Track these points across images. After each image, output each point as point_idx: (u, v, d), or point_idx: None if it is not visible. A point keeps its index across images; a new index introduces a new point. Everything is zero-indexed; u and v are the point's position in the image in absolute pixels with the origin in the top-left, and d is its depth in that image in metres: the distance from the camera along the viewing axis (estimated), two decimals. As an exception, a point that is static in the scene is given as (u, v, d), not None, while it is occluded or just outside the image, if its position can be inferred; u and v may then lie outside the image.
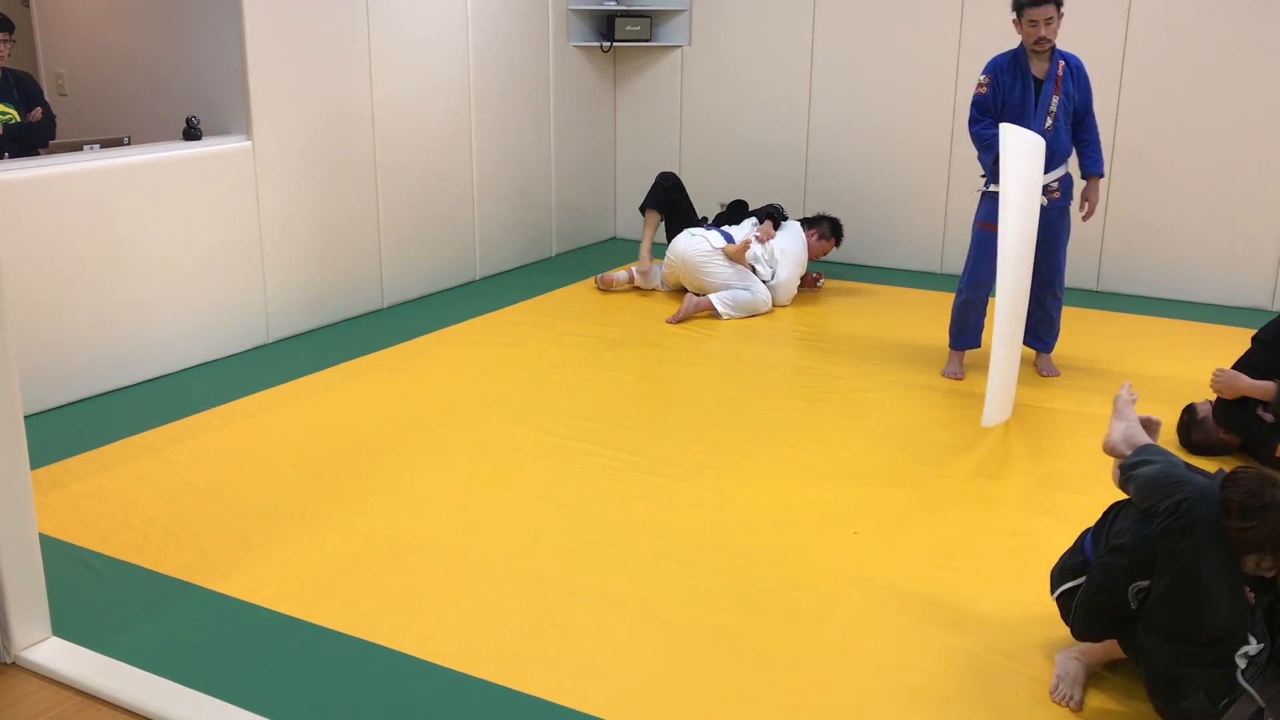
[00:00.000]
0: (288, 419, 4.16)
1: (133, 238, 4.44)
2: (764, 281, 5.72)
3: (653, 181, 6.18)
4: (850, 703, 2.47)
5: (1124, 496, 2.51)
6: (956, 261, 6.36)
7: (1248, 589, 2.27)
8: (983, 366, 4.77)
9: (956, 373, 4.69)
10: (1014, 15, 4.34)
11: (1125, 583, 2.34)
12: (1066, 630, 2.56)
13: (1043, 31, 4.27)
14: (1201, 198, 5.80)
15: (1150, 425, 2.68)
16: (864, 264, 6.70)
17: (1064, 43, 4.48)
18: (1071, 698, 2.47)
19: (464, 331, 5.32)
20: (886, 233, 6.61)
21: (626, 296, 6.00)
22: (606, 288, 6.08)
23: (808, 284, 6.06)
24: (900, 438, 4.01)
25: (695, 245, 5.70)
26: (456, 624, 2.77)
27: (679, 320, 5.49)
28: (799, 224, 6.07)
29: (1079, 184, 4.62)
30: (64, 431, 4.03)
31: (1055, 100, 4.36)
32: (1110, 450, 2.62)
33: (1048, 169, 4.32)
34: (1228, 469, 2.33)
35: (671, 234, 6.02)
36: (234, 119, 4.87)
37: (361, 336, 5.21)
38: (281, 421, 4.14)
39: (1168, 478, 2.33)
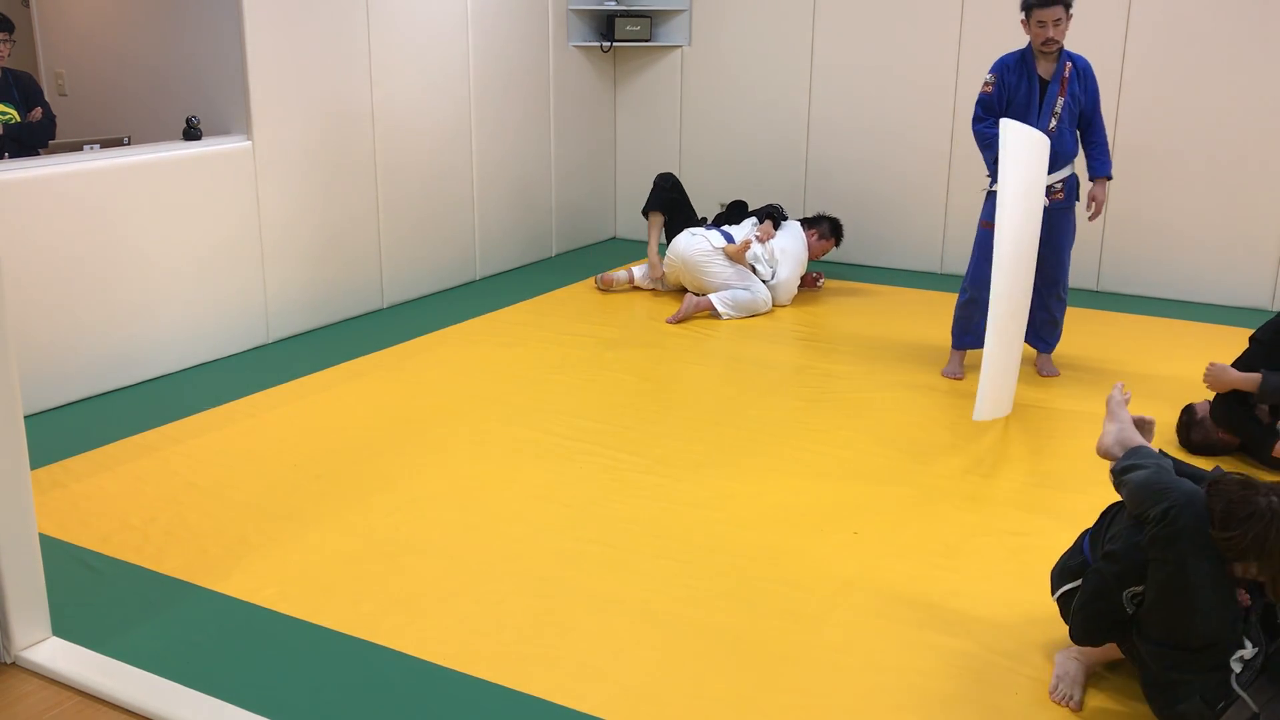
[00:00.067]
0: (288, 419, 4.16)
1: (133, 238, 4.44)
2: (764, 281, 5.72)
3: (651, 184, 6.17)
4: (850, 703, 2.47)
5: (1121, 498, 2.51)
6: (957, 261, 6.37)
7: (1244, 592, 2.27)
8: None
9: (956, 372, 4.69)
10: (1022, 16, 4.33)
11: (1119, 589, 2.34)
12: (1066, 630, 2.56)
13: (1051, 33, 4.26)
14: (1201, 198, 5.80)
15: (1144, 425, 2.67)
16: (864, 264, 6.70)
17: (1065, 42, 4.47)
18: (1071, 698, 2.47)
19: (464, 331, 5.32)
20: (886, 233, 6.61)
21: (626, 296, 6.00)
22: (606, 288, 6.08)
23: (808, 284, 6.06)
24: (900, 438, 4.01)
25: (695, 245, 5.70)
26: (456, 624, 2.77)
27: (679, 320, 5.49)
28: (799, 224, 6.07)
29: (1086, 185, 4.61)
30: (64, 431, 4.03)
31: (1060, 101, 4.36)
32: (1104, 453, 2.62)
33: (1051, 170, 4.32)
34: (1226, 468, 2.33)
35: (672, 234, 6.02)
36: (234, 119, 4.87)
37: (361, 336, 5.21)
38: (281, 421, 4.14)
39: (1156, 484, 2.32)
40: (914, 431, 4.08)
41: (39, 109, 5.04)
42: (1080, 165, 4.56)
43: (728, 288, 5.62)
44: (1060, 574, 2.59)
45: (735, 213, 6.16)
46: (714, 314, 5.58)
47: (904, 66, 6.34)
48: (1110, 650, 2.53)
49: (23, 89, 5.06)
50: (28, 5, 5.69)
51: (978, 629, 2.77)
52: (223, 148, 4.76)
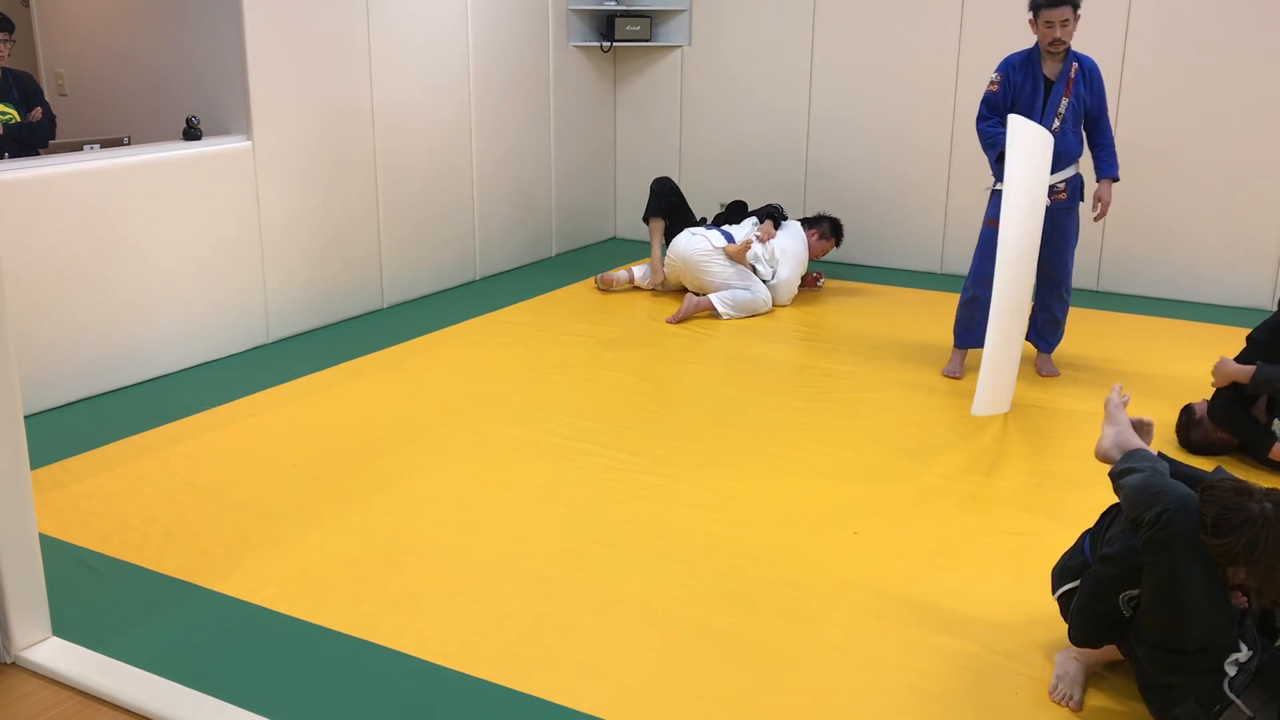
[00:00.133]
0: (288, 419, 4.16)
1: (133, 238, 4.44)
2: (764, 281, 5.72)
3: (649, 190, 6.14)
4: (850, 703, 2.47)
5: (1121, 499, 2.51)
6: (957, 261, 6.37)
7: (1240, 595, 2.26)
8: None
9: (956, 372, 4.69)
10: (1030, 15, 4.32)
11: (1116, 592, 2.35)
12: (1066, 630, 2.56)
13: (1058, 33, 4.26)
14: (1202, 198, 5.80)
15: (1142, 427, 2.67)
16: (864, 264, 6.70)
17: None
18: (1071, 697, 2.47)
19: (464, 331, 5.32)
20: (886, 233, 6.61)
21: (626, 296, 6.00)
22: (606, 288, 6.08)
23: (808, 284, 6.06)
24: (900, 437, 4.01)
25: (696, 244, 5.70)
26: (456, 624, 2.77)
27: (679, 320, 5.49)
28: (799, 224, 6.07)
29: (1091, 186, 4.60)
30: (64, 431, 4.03)
31: (1065, 102, 4.35)
32: (1102, 457, 2.62)
33: (1054, 170, 4.31)
34: (1226, 468, 2.33)
35: (672, 235, 6.02)
36: (234, 119, 4.87)
37: (361, 336, 5.21)
38: (281, 421, 4.14)
39: (1151, 488, 2.32)
40: (914, 431, 4.08)
41: (39, 109, 5.04)
42: (1086, 167, 4.56)
43: (728, 287, 5.62)
44: (1061, 573, 2.59)
45: (735, 213, 6.16)
46: (714, 314, 5.58)
47: (904, 66, 6.34)
48: (1110, 651, 2.53)
49: (23, 89, 5.06)
50: (28, 5, 5.70)
51: (978, 629, 2.77)
52: (223, 148, 4.76)
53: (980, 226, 4.64)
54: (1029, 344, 4.65)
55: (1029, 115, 4.36)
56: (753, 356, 4.99)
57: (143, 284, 4.51)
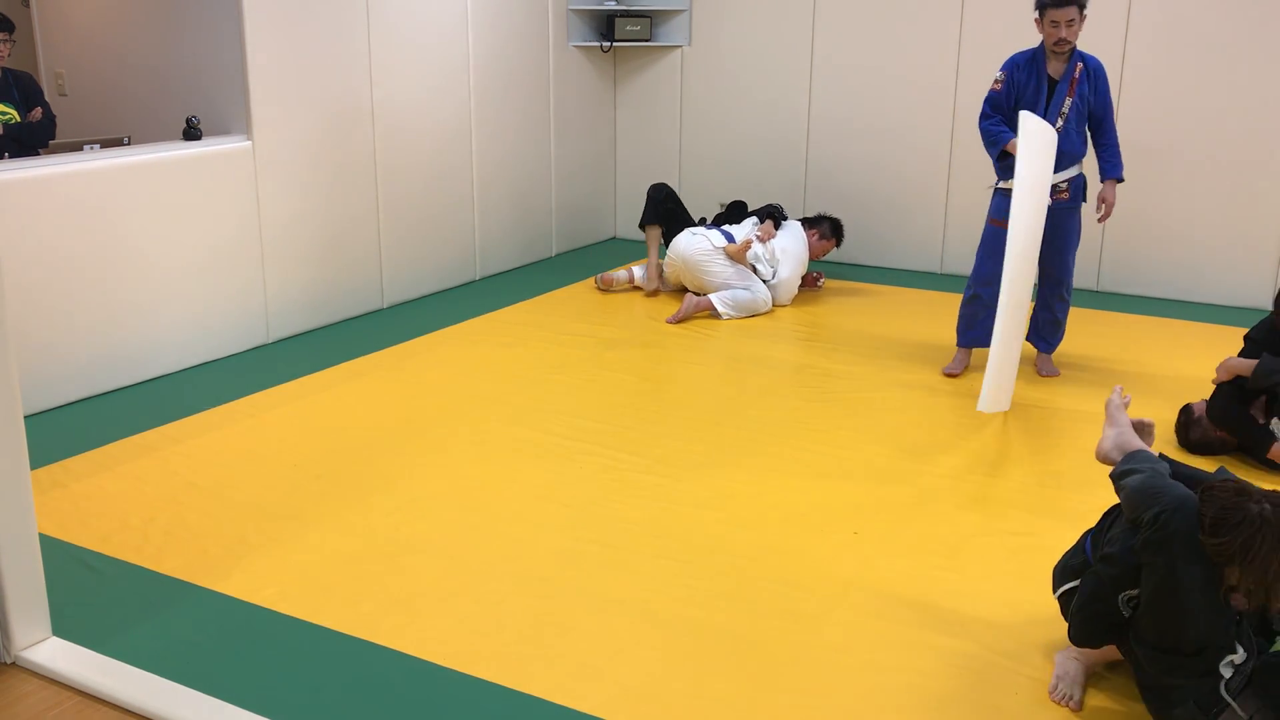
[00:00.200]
0: (288, 419, 4.16)
1: (133, 238, 4.44)
2: (764, 281, 5.72)
3: (646, 196, 6.11)
4: (850, 703, 2.47)
5: (1122, 499, 2.51)
6: (957, 261, 6.37)
7: (1240, 596, 2.26)
8: (985, 366, 4.77)
9: (957, 370, 4.69)
10: (1036, 15, 4.32)
11: (1115, 592, 2.35)
12: (1067, 630, 2.56)
13: (1063, 33, 4.25)
14: (1202, 197, 5.80)
15: (1143, 428, 2.68)
16: (864, 264, 6.70)
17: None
18: (1071, 697, 2.47)
19: (464, 331, 5.32)
20: (886, 233, 6.61)
21: (626, 296, 6.00)
22: (606, 288, 6.08)
23: (808, 284, 6.06)
24: (900, 437, 4.01)
25: (696, 244, 5.70)
26: (456, 624, 2.77)
27: (679, 320, 5.49)
28: (800, 224, 6.07)
29: (1096, 187, 4.60)
30: (64, 431, 4.03)
31: (1068, 102, 4.35)
32: (1103, 458, 2.62)
33: (1056, 169, 4.31)
34: (1227, 468, 2.33)
35: (670, 240, 6.01)
36: (234, 119, 4.87)
37: (361, 336, 5.21)
38: (281, 421, 4.14)
39: (1150, 488, 2.32)
40: (914, 431, 4.08)
41: (39, 109, 5.04)
42: (1091, 168, 4.55)
43: (728, 287, 5.62)
44: (1062, 573, 2.59)
45: (735, 213, 6.15)
46: (714, 314, 5.58)
47: (904, 66, 6.34)
48: (1110, 651, 2.53)
49: (23, 89, 5.06)
50: (28, 5, 5.70)
51: (978, 629, 2.77)
52: (223, 148, 4.76)
53: (983, 226, 4.64)
54: (1029, 344, 4.65)
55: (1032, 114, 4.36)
56: (753, 356, 4.99)
57: (143, 284, 4.51)
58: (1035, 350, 4.73)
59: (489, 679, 2.54)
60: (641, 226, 6.17)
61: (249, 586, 2.95)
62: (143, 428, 4.06)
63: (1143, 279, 6.03)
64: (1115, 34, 5.78)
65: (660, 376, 4.73)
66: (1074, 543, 2.64)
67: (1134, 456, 2.50)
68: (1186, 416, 3.95)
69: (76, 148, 4.52)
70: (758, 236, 5.78)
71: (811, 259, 6.02)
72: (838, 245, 6.16)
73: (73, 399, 4.32)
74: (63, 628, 2.72)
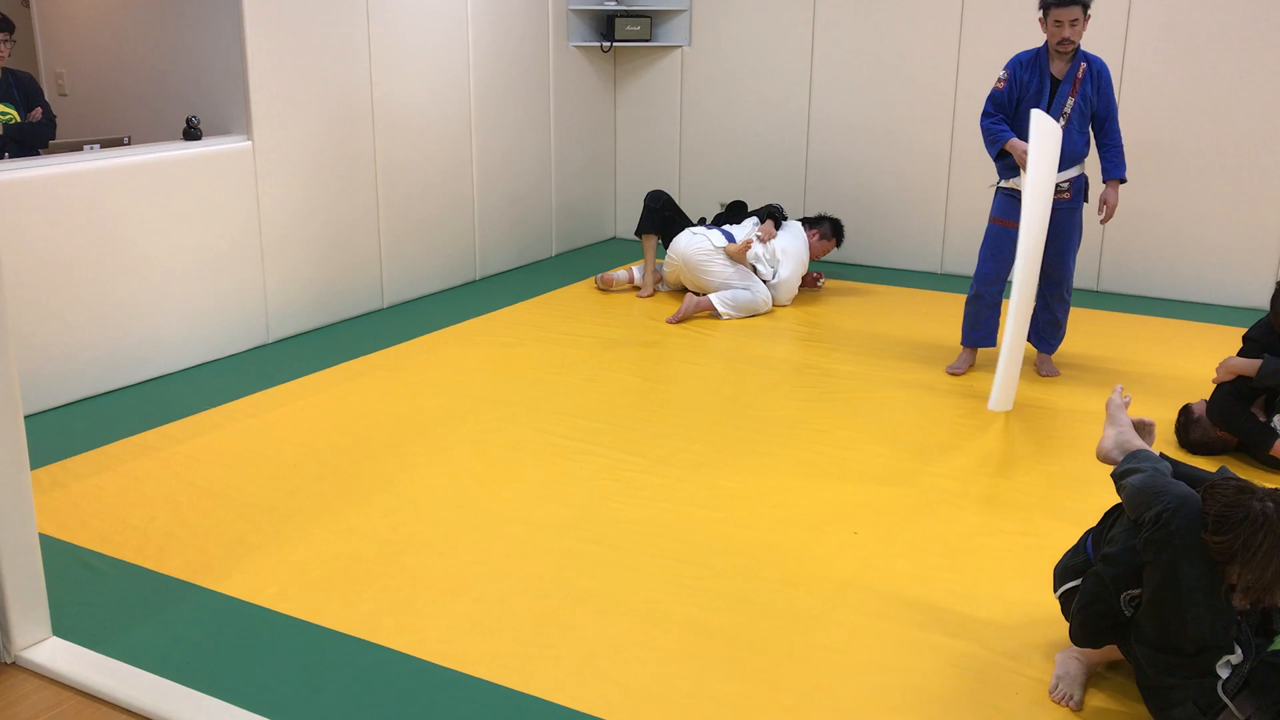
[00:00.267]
0: (288, 419, 4.16)
1: (133, 238, 4.44)
2: (764, 281, 5.72)
3: (642, 204, 6.08)
4: (850, 703, 2.47)
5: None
6: (957, 261, 6.38)
7: (1237, 597, 2.26)
8: (988, 365, 4.77)
9: (961, 369, 4.70)
10: (1040, 14, 4.32)
11: (1117, 591, 2.35)
12: (1067, 631, 2.55)
13: (1067, 33, 4.25)
14: (1202, 197, 5.80)
15: (1144, 428, 2.68)
16: (864, 264, 6.70)
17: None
18: (1071, 697, 2.47)
19: (464, 331, 5.32)
20: (886, 233, 6.61)
21: (626, 296, 6.00)
22: (606, 287, 6.08)
23: (808, 284, 6.06)
24: (900, 437, 4.01)
25: (696, 244, 5.70)
26: (456, 624, 2.77)
27: (679, 320, 5.49)
28: (800, 224, 6.07)
29: (1098, 188, 4.60)
30: (64, 431, 4.03)
31: (1071, 102, 4.35)
32: (1104, 457, 2.62)
33: (1058, 168, 4.31)
34: (1228, 468, 2.33)
35: (670, 240, 6.00)
36: (234, 119, 4.87)
37: (362, 336, 5.21)
38: (281, 421, 4.14)
39: (1152, 487, 2.32)
40: (914, 431, 4.08)
41: (39, 109, 5.04)
42: (1094, 168, 4.55)
43: (728, 287, 5.62)
44: (1062, 572, 2.59)
45: (735, 213, 6.15)
46: (714, 314, 5.58)
47: (904, 66, 6.34)
48: (1111, 651, 2.53)
49: (23, 89, 5.06)
50: (28, 5, 5.70)
51: (978, 629, 2.77)
52: (223, 148, 4.76)
53: (982, 225, 4.64)
54: (1029, 344, 4.65)
55: None
56: (753, 356, 4.99)
57: (143, 284, 4.51)
58: (1035, 350, 4.73)
59: (489, 679, 2.54)
60: (638, 235, 6.16)
61: (249, 586, 2.95)
62: (143, 428, 4.06)
63: (1143, 279, 6.03)
64: (1116, 34, 5.78)
65: (660, 376, 4.73)
66: (1074, 542, 2.64)
67: (1135, 456, 2.50)
68: (1186, 417, 3.95)
69: (76, 148, 4.52)
70: (758, 236, 5.78)
71: (812, 259, 6.02)
72: (838, 245, 6.16)
73: (73, 399, 4.32)
74: (63, 628, 2.72)
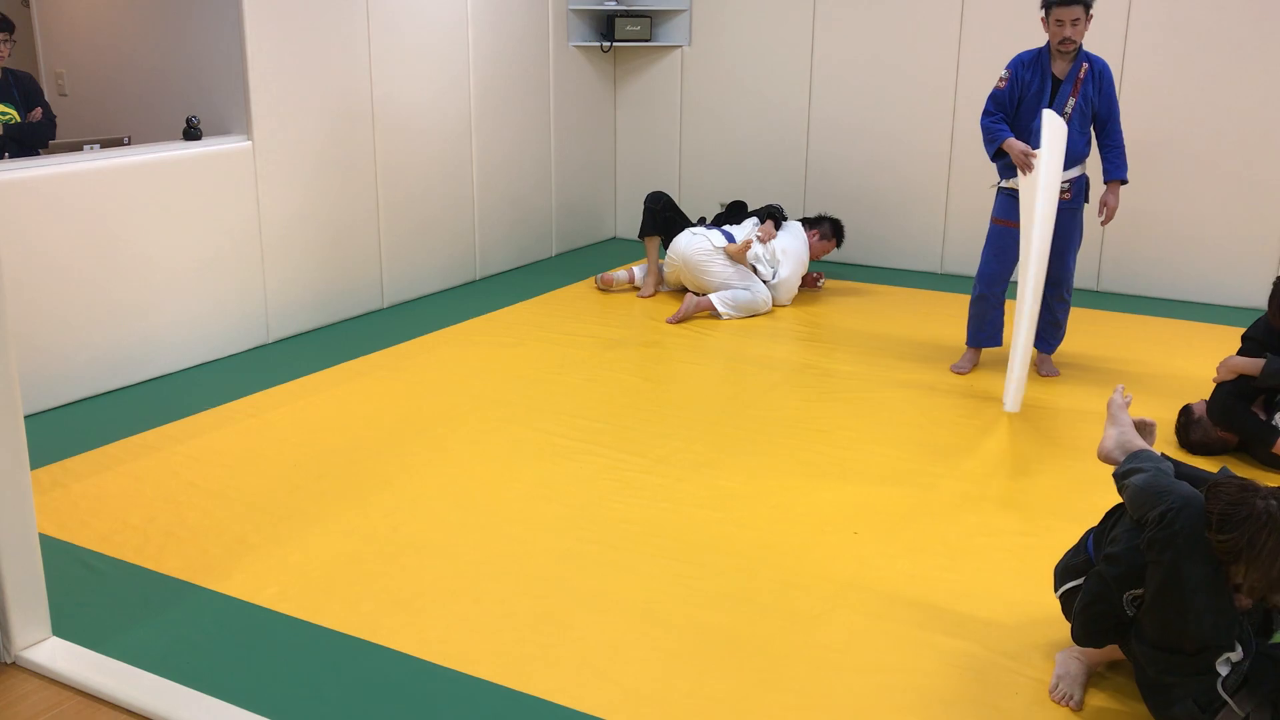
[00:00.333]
0: (288, 419, 4.16)
1: (133, 238, 4.44)
2: (764, 281, 5.72)
3: (643, 206, 6.08)
4: (850, 703, 2.47)
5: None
6: (957, 261, 6.38)
7: (1241, 596, 2.26)
8: (989, 365, 4.78)
9: (965, 368, 4.70)
10: (1042, 13, 4.33)
11: (1119, 591, 2.34)
12: (1067, 631, 2.55)
13: (1068, 32, 4.25)
14: (1202, 197, 5.80)
15: (1145, 428, 2.68)
16: (864, 264, 6.70)
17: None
18: (1071, 697, 2.47)
19: (464, 331, 5.32)
20: (886, 233, 6.61)
21: (626, 296, 6.00)
22: (606, 287, 6.08)
23: (808, 284, 6.06)
24: (900, 437, 4.01)
25: (696, 244, 5.70)
26: (456, 624, 2.77)
27: (679, 320, 5.49)
28: (800, 224, 6.07)
29: (1099, 188, 4.60)
30: (64, 431, 4.03)
31: (1071, 102, 4.35)
32: (1105, 457, 2.62)
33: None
34: (1231, 468, 2.33)
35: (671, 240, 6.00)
36: (234, 119, 4.87)
37: (362, 336, 5.21)
38: (281, 421, 4.14)
39: (1155, 487, 2.32)
40: (914, 431, 4.08)
41: (39, 109, 5.04)
42: (1095, 169, 4.55)
43: (728, 287, 5.62)
44: (1063, 572, 2.59)
45: (735, 213, 6.15)
46: (714, 314, 5.58)
47: (904, 66, 6.34)
48: (1112, 650, 2.53)
49: (23, 89, 5.06)
50: (28, 5, 5.70)
51: (978, 629, 2.77)
52: (223, 148, 4.76)
53: (982, 225, 4.64)
54: (1030, 345, 4.65)
55: (1034, 113, 4.36)
56: (753, 356, 4.99)
57: (143, 284, 4.51)
58: (1035, 350, 4.73)
59: (489, 679, 2.54)
60: (640, 237, 6.15)
61: (249, 586, 2.95)
62: (143, 428, 4.06)
63: (1143, 279, 6.03)
64: (1115, 33, 5.78)
65: (660, 376, 4.73)
66: (1075, 542, 2.64)
67: (1137, 456, 2.50)
68: (1186, 417, 3.96)
69: (76, 148, 4.52)
70: (758, 237, 5.78)
71: (812, 259, 6.02)
72: (838, 245, 6.16)
73: (73, 399, 4.32)
74: (63, 628, 2.72)
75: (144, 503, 3.45)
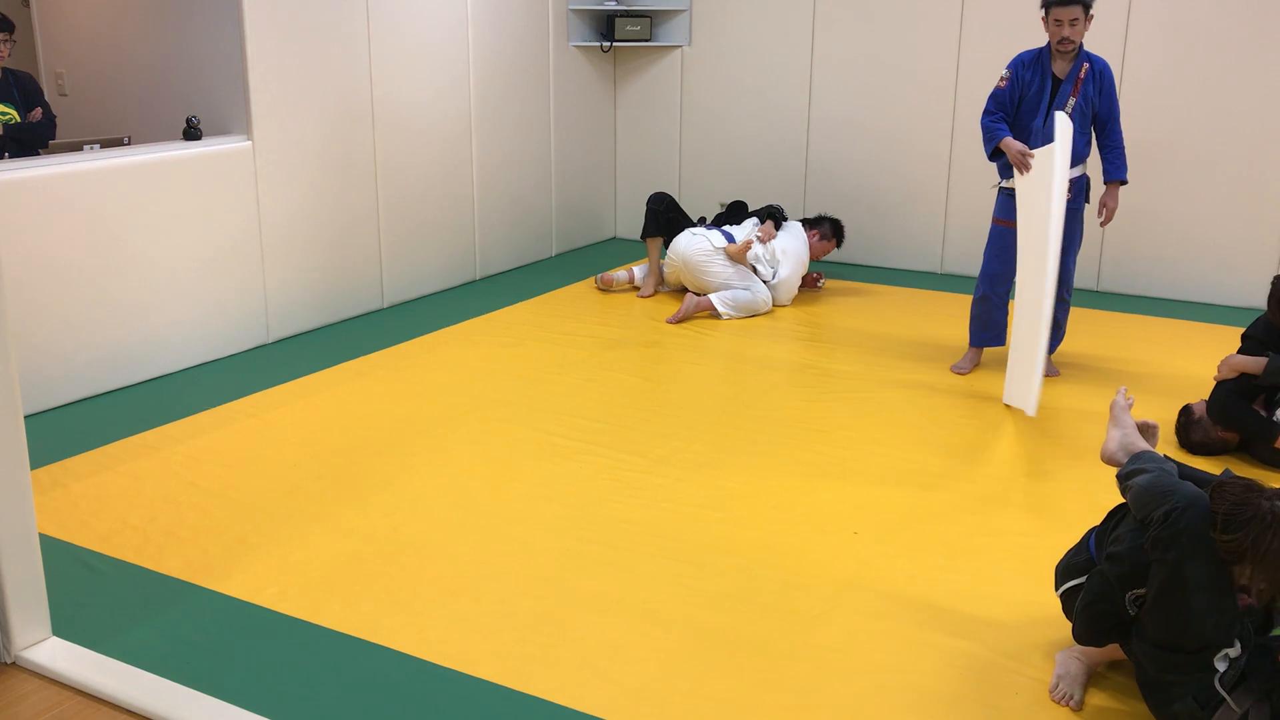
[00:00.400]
0: (288, 419, 4.16)
1: (133, 238, 4.44)
2: (764, 281, 5.72)
3: (645, 207, 6.06)
4: (850, 703, 2.47)
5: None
6: (957, 261, 6.38)
7: (1245, 596, 2.26)
8: (990, 365, 4.78)
9: (965, 368, 4.70)
10: (1042, 13, 4.33)
11: (1122, 591, 2.34)
12: (1068, 631, 2.56)
13: (1066, 32, 4.26)
14: (1202, 198, 5.80)
15: (1148, 430, 2.68)
16: (864, 264, 6.70)
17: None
18: (1071, 697, 2.47)
19: (464, 331, 5.32)
20: (886, 233, 6.61)
21: (626, 296, 6.00)
22: (606, 288, 6.08)
23: (808, 284, 6.06)
24: (900, 437, 4.01)
25: (696, 244, 5.70)
26: (456, 624, 2.77)
27: (679, 320, 5.49)
28: (800, 224, 6.07)
29: (1100, 189, 4.60)
30: (64, 431, 4.03)
31: (1071, 102, 4.35)
32: (1108, 459, 2.63)
33: None
34: (1232, 469, 2.32)
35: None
36: (234, 119, 4.87)
37: (362, 336, 5.21)
38: (281, 421, 4.14)
39: (1159, 486, 2.33)
40: (914, 431, 4.08)
41: (39, 109, 5.04)
42: (1094, 169, 4.55)
43: (728, 287, 5.62)
44: (1065, 570, 2.59)
45: (735, 213, 6.15)
46: (714, 314, 5.58)
47: (904, 66, 6.34)
48: (1112, 650, 2.53)
49: (23, 89, 5.06)
50: (28, 5, 5.69)
51: (979, 629, 2.77)
52: (223, 148, 4.76)
53: (982, 225, 4.63)
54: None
55: (1035, 113, 4.37)
56: (753, 356, 4.99)
57: (143, 284, 4.51)
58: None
59: (489, 679, 2.54)
60: (643, 238, 6.14)
61: (249, 586, 2.95)
62: (143, 428, 4.06)
63: (1143, 279, 6.03)
64: (1115, 33, 5.78)
65: (660, 376, 4.73)
66: (1076, 541, 2.64)
67: (1140, 457, 2.50)
68: (1186, 417, 3.96)
69: (76, 148, 4.52)
70: (758, 237, 5.78)
71: (812, 259, 6.02)
72: (838, 246, 6.16)
73: (73, 399, 4.32)
74: (63, 628, 2.72)
75: (144, 503, 3.45)
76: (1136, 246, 6.00)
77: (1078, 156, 4.44)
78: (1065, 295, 4.59)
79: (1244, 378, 3.84)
